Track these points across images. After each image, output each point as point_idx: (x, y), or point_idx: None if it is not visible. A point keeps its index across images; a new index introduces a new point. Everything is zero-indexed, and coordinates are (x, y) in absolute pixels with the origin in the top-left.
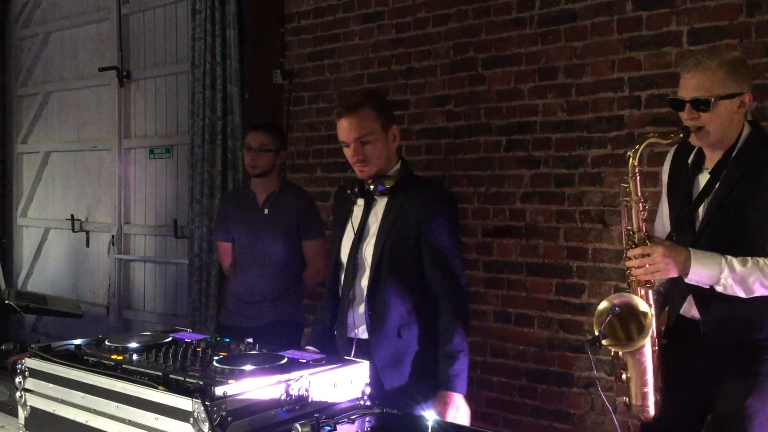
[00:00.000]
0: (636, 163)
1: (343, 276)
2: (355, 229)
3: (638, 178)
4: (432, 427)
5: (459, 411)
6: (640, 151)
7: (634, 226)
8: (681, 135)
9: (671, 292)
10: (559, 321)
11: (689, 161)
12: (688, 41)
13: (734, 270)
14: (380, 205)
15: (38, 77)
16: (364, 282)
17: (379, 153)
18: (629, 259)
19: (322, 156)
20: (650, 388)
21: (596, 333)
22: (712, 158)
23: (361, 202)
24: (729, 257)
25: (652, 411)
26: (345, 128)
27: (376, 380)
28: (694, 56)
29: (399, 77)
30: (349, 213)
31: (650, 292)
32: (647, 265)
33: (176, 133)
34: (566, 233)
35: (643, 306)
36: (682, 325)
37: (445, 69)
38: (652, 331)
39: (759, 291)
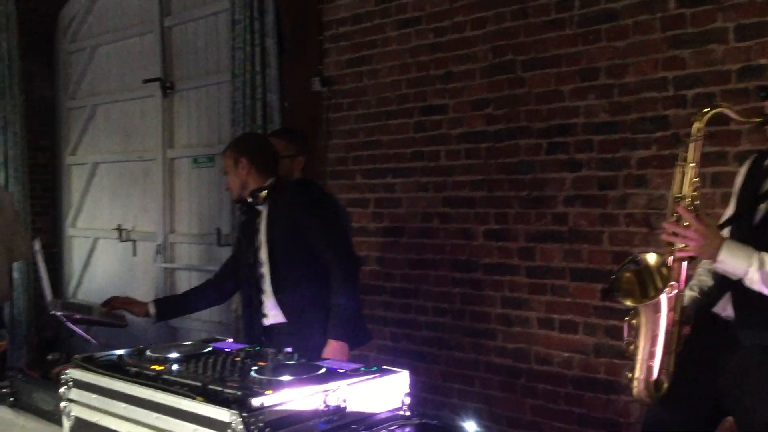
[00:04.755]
0: (701, 127)
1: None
2: (254, 238)
3: (700, 143)
4: None
5: (335, 354)
6: (709, 116)
7: (684, 191)
8: (759, 120)
9: (712, 291)
10: (605, 327)
11: (765, 164)
12: (734, 38)
13: (763, 266)
14: (263, 215)
15: (85, 90)
16: (268, 278)
17: (234, 182)
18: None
19: (362, 162)
20: (657, 364)
21: (611, 285)
22: None
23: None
24: (764, 253)
25: (653, 390)
26: None
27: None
28: None
29: (437, 82)
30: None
31: (684, 263)
32: (680, 235)
33: (218, 142)
34: (611, 237)
35: (662, 261)
36: (713, 322)
37: (483, 72)
38: (673, 302)
39: None
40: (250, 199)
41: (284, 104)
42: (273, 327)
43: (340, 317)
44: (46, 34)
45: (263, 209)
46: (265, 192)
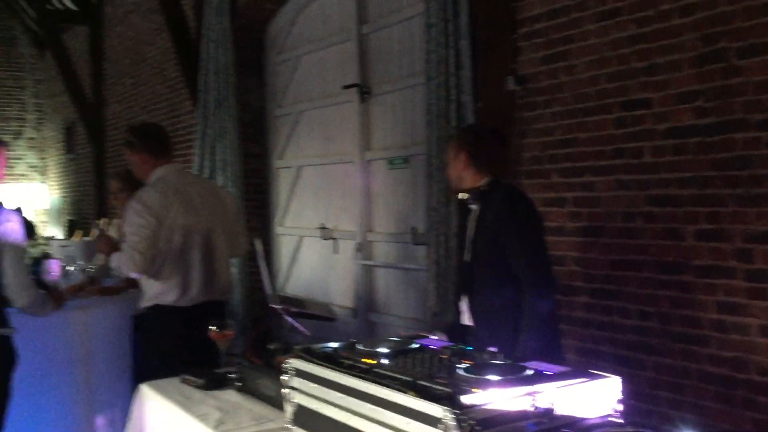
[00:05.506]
0: None
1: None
2: (464, 238)
3: None
4: None
5: None
6: None
7: None
8: None
9: None
10: None
11: None
12: None
13: None
14: (473, 215)
15: (291, 98)
16: (468, 279)
17: (452, 173)
18: None
19: (558, 161)
20: None
21: None
22: None
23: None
24: None
25: None
26: None
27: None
28: None
29: (640, 75)
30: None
31: None
32: None
33: (413, 143)
34: None
35: None
36: None
37: (692, 62)
38: None
39: None
40: (463, 196)
41: (478, 104)
42: (469, 327)
43: (526, 340)
44: (257, 48)
45: (474, 208)
46: (476, 191)
